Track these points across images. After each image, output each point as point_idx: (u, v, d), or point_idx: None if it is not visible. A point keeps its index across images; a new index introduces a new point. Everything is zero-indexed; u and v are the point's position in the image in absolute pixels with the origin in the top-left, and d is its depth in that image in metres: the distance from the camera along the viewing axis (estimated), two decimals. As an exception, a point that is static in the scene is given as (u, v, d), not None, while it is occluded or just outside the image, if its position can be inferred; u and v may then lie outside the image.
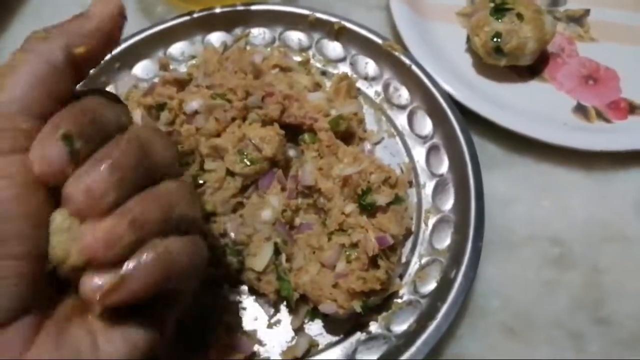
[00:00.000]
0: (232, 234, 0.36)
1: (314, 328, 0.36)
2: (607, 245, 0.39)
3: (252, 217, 0.36)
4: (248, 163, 0.36)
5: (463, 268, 0.35)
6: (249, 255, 0.35)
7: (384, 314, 0.36)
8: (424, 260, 0.37)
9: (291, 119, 0.39)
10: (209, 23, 0.46)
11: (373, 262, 0.34)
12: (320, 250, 0.35)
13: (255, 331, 0.36)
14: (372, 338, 0.35)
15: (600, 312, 0.37)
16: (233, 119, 0.38)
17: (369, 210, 0.36)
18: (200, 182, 0.37)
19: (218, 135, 0.38)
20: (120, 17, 0.23)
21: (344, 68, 0.45)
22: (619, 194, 0.41)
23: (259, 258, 0.35)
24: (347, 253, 0.34)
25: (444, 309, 0.34)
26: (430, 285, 0.36)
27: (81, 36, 0.22)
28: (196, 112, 0.38)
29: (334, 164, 0.37)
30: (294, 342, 0.35)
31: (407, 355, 0.33)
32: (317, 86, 0.43)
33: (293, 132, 0.40)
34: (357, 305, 0.33)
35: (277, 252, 0.36)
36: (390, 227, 0.35)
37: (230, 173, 0.37)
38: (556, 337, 0.36)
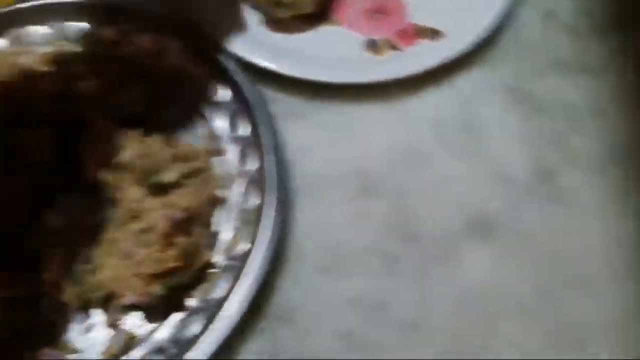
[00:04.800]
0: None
1: (132, 321, 0.35)
2: (409, 168, 0.40)
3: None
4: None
5: (267, 225, 0.35)
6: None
7: (202, 287, 0.36)
8: (235, 225, 0.37)
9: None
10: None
11: (170, 242, 0.33)
12: (117, 242, 0.34)
13: (69, 340, 0.34)
14: (192, 313, 0.35)
15: (409, 230, 0.38)
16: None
17: (159, 190, 0.35)
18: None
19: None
20: None
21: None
22: (416, 117, 0.42)
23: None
24: (143, 239, 0.33)
25: (255, 265, 0.34)
26: (244, 247, 0.36)
27: None
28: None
29: (117, 151, 0.36)
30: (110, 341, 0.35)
31: (226, 317, 0.33)
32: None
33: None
34: (158, 289, 0.33)
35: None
36: (182, 202, 0.34)
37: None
38: (369, 263, 0.37)
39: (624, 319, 0.36)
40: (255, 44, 0.42)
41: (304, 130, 0.41)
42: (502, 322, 0.36)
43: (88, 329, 0.35)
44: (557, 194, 0.39)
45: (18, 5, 0.43)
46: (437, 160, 0.40)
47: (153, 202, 0.34)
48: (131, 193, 0.34)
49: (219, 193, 0.38)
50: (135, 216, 0.34)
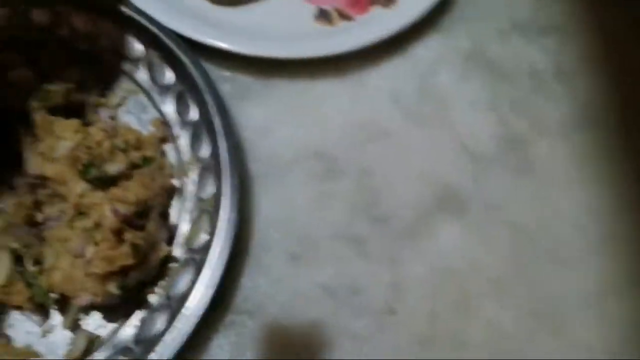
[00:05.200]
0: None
1: (93, 321, 0.33)
2: (371, 145, 0.39)
3: (-23, 230, 0.32)
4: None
5: (226, 213, 0.33)
6: (-14, 272, 0.32)
7: (163, 282, 0.34)
8: (193, 216, 0.35)
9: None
10: None
11: (121, 238, 0.31)
12: (67, 241, 0.32)
13: (29, 345, 0.33)
14: (154, 310, 0.33)
15: (376, 211, 0.37)
16: None
17: (104, 183, 0.33)
18: None
19: None
20: None
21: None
22: (374, 89, 0.40)
23: (-3, 271, 0.31)
24: (92, 236, 0.31)
25: (216, 257, 0.33)
26: (202, 239, 0.34)
27: None
28: None
29: (56, 143, 0.33)
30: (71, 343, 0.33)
31: (189, 313, 0.31)
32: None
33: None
34: (113, 288, 0.31)
35: (19, 258, 0.32)
36: (129, 195, 0.32)
37: None
38: (339, 247, 0.36)
39: (600, 291, 0.35)
40: (197, 19, 0.40)
41: (258, 110, 0.39)
42: (477, 300, 0.35)
43: (47, 332, 0.33)
44: (525, 163, 0.39)
45: None
46: (399, 133, 0.39)
47: (99, 196, 0.32)
48: (75, 188, 0.32)
49: (173, 182, 0.36)
50: (82, 212, 0.32)
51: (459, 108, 0.40)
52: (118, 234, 0.31)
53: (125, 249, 0.31)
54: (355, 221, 0.37)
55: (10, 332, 0.33)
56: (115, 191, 0.32)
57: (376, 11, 0.42)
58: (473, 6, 0.43)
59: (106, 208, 0.31)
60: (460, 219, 0.37)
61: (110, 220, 0.31)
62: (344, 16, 0.42)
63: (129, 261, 0.31)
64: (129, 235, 0.31)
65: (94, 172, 0.32)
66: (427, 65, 0.41)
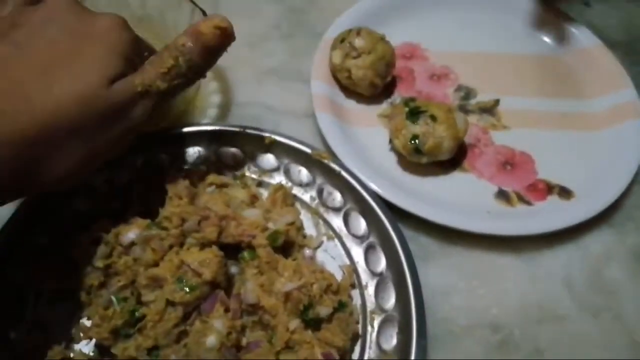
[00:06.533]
0: (178, 366, 0.35)
1: None
2: (544, 325, 0.41)
3: (196, 345, 0.36)
4: (188, 290, 0.37)
5: (412, 372, 0.36)
6: (196, 386, 0.35)
7: None
8: (373, 365, 0.38)
9: (229, 239, 0.40)
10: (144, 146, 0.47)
11: (323, 378, 0.34)
12: (270, 370, 0.35)
13: None
14: None
15: (546, 398, 0.38)
16: (170, 247, 0.39)
17: (314, 323, 0.36)
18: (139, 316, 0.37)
19: (156, 264, 0.38)
20: None
21: (279, 177, 0.47)
22: (548, 273, 0.43)
23: (207, 388, 0.35)
24: (296, 371, 0.35)
25: (397, 415, 0.35)
26: (382, 391, 0.37)
27: None
28: (133, 243, 0.39)
29: (275, 279, 0.38)
30: None
31: None
32: (254, 198, 0.44)
33: (232, 249, 0.41)
34: None
35: (225, 378, 0.35)
36: (335, 340, 0.36)
37: (170, 303, 0.37)
38: None
39: None
40: (392, 183, 0.45)
41: (437, 271, 0.43)
42: None
43: None
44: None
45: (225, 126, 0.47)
46: (571, 319, 0.41)
47: (309, 336, 0.35)
48: (290, 324, 0.36)
49: (357, 329, 0.39)
50: (289, 346, 0.36)
51: (631, 304, 0.41)
52: (321, 374, 0.34)
53: (328, 390, 0.33)
54: (526, 403, 0.37)
55: None
56: (325, 334, 0.36)
57: (553, 201, 0.46)
58: (641, 207, 0.47)
59: (317, 349, 0.34)
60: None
61: (320, 362, 0.34)
62: (523, 200, 0.46)
63: (329, 403, 0.33)
64: (330, 378, 0.34)
65: (310, 314, 0.36)
66: (598, 258, 0.44)
